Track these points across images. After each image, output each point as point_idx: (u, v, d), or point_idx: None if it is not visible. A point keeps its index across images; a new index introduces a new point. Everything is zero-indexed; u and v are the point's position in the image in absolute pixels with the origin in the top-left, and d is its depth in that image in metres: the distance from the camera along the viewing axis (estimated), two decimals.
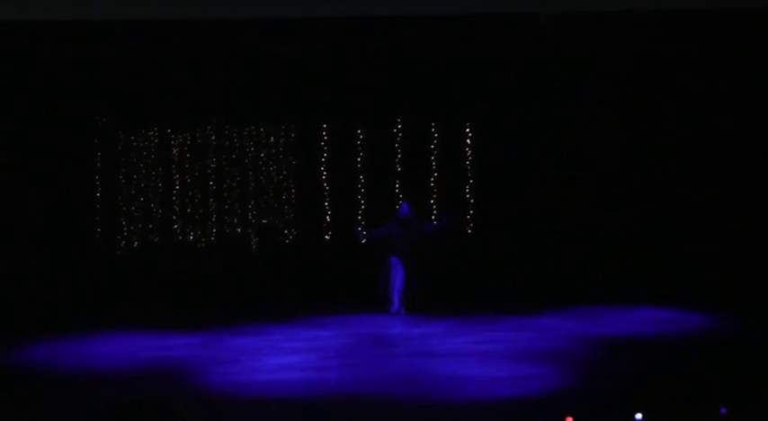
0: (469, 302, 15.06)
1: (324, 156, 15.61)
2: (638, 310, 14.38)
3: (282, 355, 12.43)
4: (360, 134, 15.58)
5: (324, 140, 15.54)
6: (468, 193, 15.78)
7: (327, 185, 15.65)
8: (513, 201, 15.73)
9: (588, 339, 12.93)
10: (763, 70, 15.02)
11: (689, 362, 11.78)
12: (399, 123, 15.62)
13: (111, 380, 11.46)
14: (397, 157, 15.64)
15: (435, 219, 15.08)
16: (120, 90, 14.91)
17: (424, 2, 13.24)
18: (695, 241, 15.70)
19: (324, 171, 15.65)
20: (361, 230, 14.62)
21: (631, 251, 15.76)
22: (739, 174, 15.51)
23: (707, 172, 15.60)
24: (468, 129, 15.75)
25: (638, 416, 8.90)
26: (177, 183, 15.39)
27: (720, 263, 15.43)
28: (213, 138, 15.36)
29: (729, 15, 14.56)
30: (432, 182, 15.74)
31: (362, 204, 15.66)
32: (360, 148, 15.61)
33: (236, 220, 15.53)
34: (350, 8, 13.51)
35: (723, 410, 8.90)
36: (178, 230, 15.43)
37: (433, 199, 15.74)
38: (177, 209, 15.43)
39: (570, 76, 15.54)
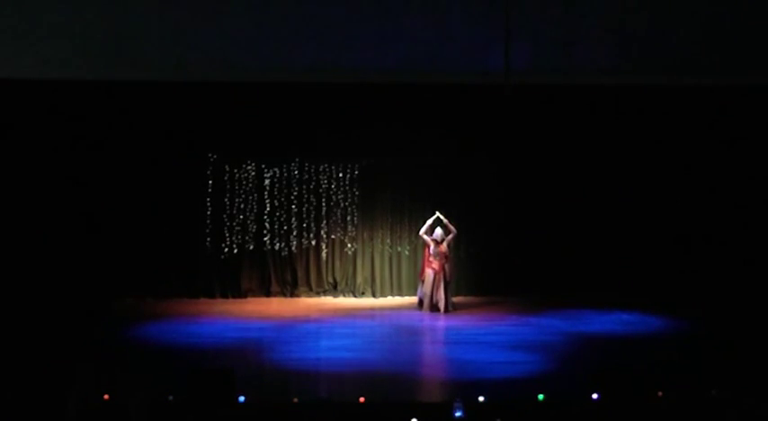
0: (484, 303, 15.13)
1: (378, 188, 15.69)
2: (612, 313, 14.28)
3: (334, 339, 12.66)
4: (404, 171, 15.56)
5: (378, 176, 15.64)
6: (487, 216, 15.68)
7: (381, 209, 15.72)
8: (524, 227, 15.59)
9: (570, 334, 13.05)
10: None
11: (643, 355, 11.84)
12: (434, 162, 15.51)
13: (203, 352, 11.82)
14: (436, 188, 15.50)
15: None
16: (226, 135, 15.22)
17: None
18: (661, 256, 15.51)
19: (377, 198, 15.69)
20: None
21: (612, 265, 15.47)
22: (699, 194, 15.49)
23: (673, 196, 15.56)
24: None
25: (595, 395, 8.92)
26: (267, 205, 15.48)
27: (678, 275, 15.37)
28: (296, 172, 15.54)
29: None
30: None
31: (407, 224, 15.59)
32: (405, 182, 15.64)
33: (311, 235, 15.59)
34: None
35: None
36: (267, 241, 15.49)
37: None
38: (267, 225, 15.48)
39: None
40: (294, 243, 15.59)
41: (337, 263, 15.72)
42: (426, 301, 14.45)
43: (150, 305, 14.62)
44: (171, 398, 8.63)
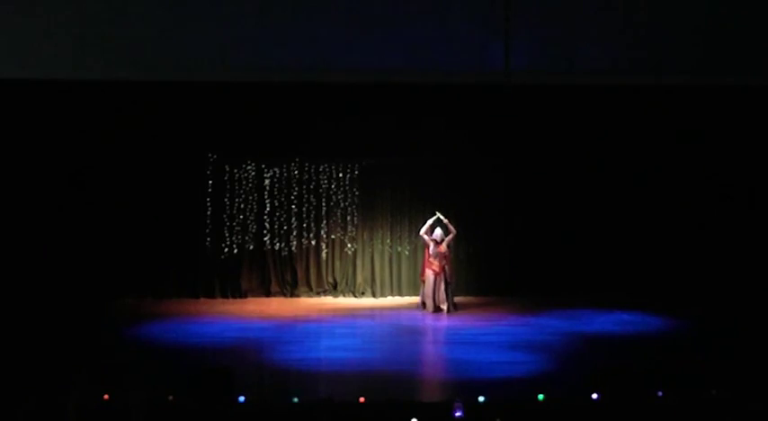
0: (484, 303, 15.14)
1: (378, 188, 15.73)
2: (612, 313, 14.26)
3: (335, 339, 12.67)
4: (404, 171, 15.60)
5: (378, 176, 15.66)
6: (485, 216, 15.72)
7: (381, 209, 15.76)
8: (524, 227, 15.65)
9: (570, 334, 13.03)
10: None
11: (643, 355, 11.85)
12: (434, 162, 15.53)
13: (203, 352, 11.83)
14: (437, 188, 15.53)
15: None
16: (226, 135, 15.23)
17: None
18: (661, 256, 15.52)
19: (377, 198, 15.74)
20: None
21: (612, 264, 15.51)
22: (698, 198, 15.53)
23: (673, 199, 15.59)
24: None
25: (595, 395, 8.93)
26: (267, 205, 15.51)
27: (678, 275, 15.38)
28: (296, 172, 15.57)
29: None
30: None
31: (407, 224, 15.66)
32: (405, 182, 15.69)
33: (311, 235, 15.62)
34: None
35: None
36: (267, 241, 15.52)
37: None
38: (267, 225, 15.50)
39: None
40: (294, 243, 15.63)
41: (337, 263, 15.77)
42: (429, 303, 14.40)
43: (150, 305, 14.66)
44: (171, 398, 8.62)
